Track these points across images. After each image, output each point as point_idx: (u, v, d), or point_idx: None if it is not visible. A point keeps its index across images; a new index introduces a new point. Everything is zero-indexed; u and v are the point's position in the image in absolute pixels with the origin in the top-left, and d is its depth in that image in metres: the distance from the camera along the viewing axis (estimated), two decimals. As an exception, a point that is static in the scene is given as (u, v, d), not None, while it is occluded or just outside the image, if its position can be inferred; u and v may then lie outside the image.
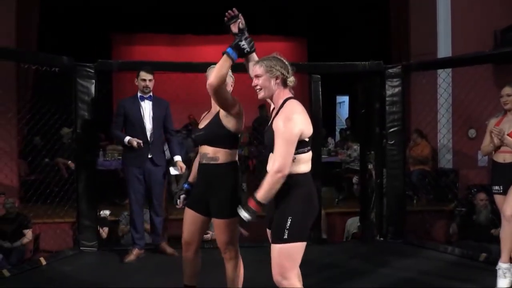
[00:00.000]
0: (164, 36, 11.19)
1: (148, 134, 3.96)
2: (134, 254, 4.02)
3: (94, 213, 4.38)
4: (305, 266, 3.81)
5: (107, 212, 5.46)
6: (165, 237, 4.57)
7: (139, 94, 4.00)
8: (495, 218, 5.17)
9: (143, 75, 3.93)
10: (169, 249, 4.18)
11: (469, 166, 6.93)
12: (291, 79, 2.31)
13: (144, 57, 9.89)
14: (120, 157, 7.04)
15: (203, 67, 4.58)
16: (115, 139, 4.11)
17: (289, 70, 2.32)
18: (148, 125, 3.96)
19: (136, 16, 9.60)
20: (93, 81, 4.30)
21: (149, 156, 3.96)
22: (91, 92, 4.29)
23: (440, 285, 3.44)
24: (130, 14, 9.48)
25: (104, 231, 5.20)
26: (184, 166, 4.09)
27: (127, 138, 3.90)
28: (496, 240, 5.06)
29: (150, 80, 3.94)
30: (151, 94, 4.01)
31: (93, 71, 4.30)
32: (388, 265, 3.91)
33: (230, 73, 2.67)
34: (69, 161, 6.45)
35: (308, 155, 2.28)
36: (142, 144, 3.86)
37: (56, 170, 6.28)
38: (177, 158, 4.09)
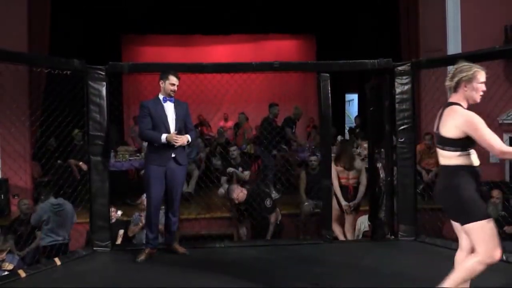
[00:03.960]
0: (173, 37, 11.27)
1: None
2: (146, 253, 4.06)
3: (107, 214, 4.44)
4: (316, 264, 3.90)
5: (119, 212, 5.53)
6: (177, 237, 4.62)
7: (161, 96, 4.04)
8: (507, 215, 5.15)
9: (173, 79, 3.98)
10: (181, 249, 4.22)
11: (480, 163, 6.88)
12: None
13: (154, 58, 9.97)
14: (132, 158, 7.18)
15: (213, 68, 4.68)
16: (148, 139, 4.12)
17: None
18: (172, 125, 4.00)
19: (145, 18, 9.68)
20: (104, 83, 4.35)
21: (173, 156, 4.00)
22: (103, 94, 4.34)
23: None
24: (140, 16, 9.56)
25: (120, 234, 5.27)
26: (183, 141, 3.99)
27: (164, 135, 3.90)
28: (509, 237, 5.05)
29: (177, 85, 4.02)
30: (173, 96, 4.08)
31: (104, 73, 4.34)
32: (399, 263, 3.91)
33: None
34: (81, 162, 6.54)
35: None
36: (178, 140, 3.90)
37: (69, 171, 6.38)
38: (186, 135, 4.08)
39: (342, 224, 5.49)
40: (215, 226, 6.08)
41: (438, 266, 3.80)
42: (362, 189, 5.35)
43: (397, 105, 4.63)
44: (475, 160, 2.63)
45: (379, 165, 5.42)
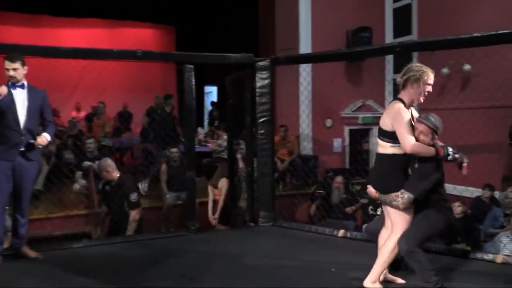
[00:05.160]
0: (17, 15, 10.01)
1: (22, 125, 3.54)
2: (-11, 261, 3.56)
3: None
4: (182, 256, 3.91)
5: None
6: (25, 240, 4.15)
7: (9, 82, 3.55)
8: (350, 197, 5.86)
9: (6, 64, 3.50)
10: (31, 253, 3.80)
11: (326, 152, 7.69)
12: None
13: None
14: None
15: (70, 53, 4.27)
16: None
17: None
18: (22, 115, 3.55)
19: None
20: None
21: (22, 149, 3.55)
22: None
23: (304, 261, 3.74)
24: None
25: None
26: (44, 142, 3.66)
27: None
28: (351, 216, 5.77)
29: (14, 69, 3.52)
30: (24, 82, 3.60)
31: None
32: (261, 248, 4.16)
33: None
34: None
35: None
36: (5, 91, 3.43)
37: None
38: (45, 133, 3.68)
39: None
40: (70, 225, 5.62)
41: (294, 247, 4.17)
42: (219, 207, 5.76)
43: (257, 99, 4.87)
44: (402, 150, 2.80)
45: (238, 155, 5.66)
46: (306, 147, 7.46)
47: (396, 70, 7.62)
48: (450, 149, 2.75)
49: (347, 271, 3.35)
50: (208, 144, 8.40)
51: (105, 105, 8.45)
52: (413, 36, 7.64)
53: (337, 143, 7.78)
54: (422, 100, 2.83)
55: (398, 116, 2.75)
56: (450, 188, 3.10)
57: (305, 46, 7.34)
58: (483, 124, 4.97)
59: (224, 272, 3.53)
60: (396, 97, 2.89)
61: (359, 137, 7.96)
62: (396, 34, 8.04)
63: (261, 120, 4.89)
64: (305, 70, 5.94)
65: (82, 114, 9.78)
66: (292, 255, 3.91)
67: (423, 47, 4.44)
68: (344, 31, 7.47)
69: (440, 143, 2.80)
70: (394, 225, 2.86)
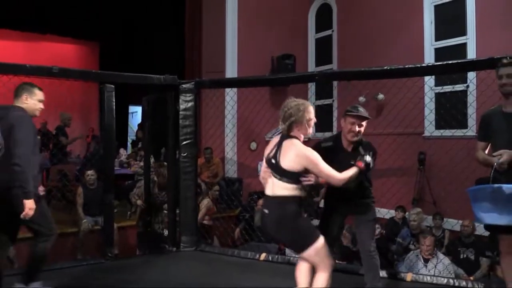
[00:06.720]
0: None
1: None
2: None
3: None
4: (96, 284, 3.70)
5: None
6: None
7: None
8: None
9: None
10: None
11: (250, 175, 7.76)
12: None
13: None
14: None
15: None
16: None
17: None
18: None
19: None
20: None
21: None
22: None
23: (226, 286, 3.71)
24: None
25: None
26: None
27: None
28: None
29: None
30: None
31: None
32: (183, 274, 4.06)
33: None
34: None
35: None
36: None
37: None
38: None
39: None
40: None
41: (216, 272, 4.12)
42: None
43: (180, 121, 4.82)
44: (303, 192, 2.72)
45: (154, 178, 5.53)
46: (231, 170, 7.48)
47: (318, 96, 7.98)
48: (367, 157, 2.85)
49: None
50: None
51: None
52: (334, 65, 8.07)
53: (261, 166, 7.89)
54: (310, 132, 2.76)
55: (310, 155, 2.65)
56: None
57: (231, 70, 7.45)
58: (393, 150, 5.32)
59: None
60: (290, 135, 2.72)
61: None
62: (319, 63, 8.45)
63: (184, 142, 4.84)
64: (228, 94, 6.01)
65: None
66: (214, 280, 3.85)
67: (340, 76, 4.70)
68: (269, 57, 7.70)
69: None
70: (320, 265, 2.74)
